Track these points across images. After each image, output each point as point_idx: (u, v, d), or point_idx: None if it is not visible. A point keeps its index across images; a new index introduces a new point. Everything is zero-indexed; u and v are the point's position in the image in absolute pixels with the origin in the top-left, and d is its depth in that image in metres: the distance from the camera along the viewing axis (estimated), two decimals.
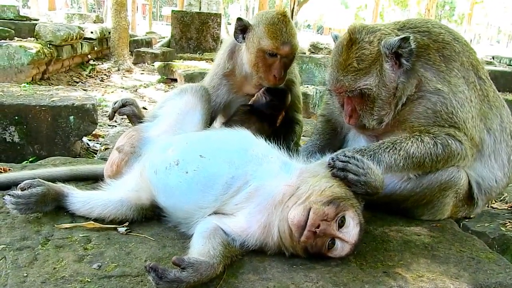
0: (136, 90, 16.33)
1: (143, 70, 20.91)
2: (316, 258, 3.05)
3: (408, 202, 3.90)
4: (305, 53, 21.22)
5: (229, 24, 37.46)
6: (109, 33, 21.43)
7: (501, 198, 5.34)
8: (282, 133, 4.55)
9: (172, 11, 27.84)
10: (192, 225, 3.24)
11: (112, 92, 15.45)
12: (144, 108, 10.85)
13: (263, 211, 3.08)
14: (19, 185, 3.44)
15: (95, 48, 20.63)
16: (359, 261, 3.16)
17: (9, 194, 3.32)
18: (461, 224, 4.44)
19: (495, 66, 24.50)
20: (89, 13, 38.60)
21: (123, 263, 2.94)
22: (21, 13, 20.27)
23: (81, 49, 18.09)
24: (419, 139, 3.67)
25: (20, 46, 13.19)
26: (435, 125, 3.73)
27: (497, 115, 4.03)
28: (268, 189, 3.14)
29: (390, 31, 3.81)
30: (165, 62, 19.32)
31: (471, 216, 4.53)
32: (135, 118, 4.34)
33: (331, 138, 4.55)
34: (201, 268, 2.67)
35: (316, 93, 12.24)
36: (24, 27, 17.62)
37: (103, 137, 8.47)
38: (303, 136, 6.15)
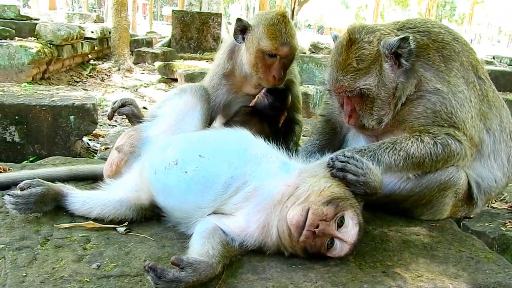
0: (137, 90, 16.32)
1: (143, 70, 20.91)
2: (315, 258, 3.05)
3: (408, 202, 3.91)
4: (305, 53, 21.20)
5: (230, 23, 37.43)
6: (110, 32, 21.44)
7: (501, 198, 5.34)
8: (282, 133, 4.55)
9: (173, 10, 27.84)
10: (191, 225, 3.24)
11: (113, 91, 15.44)
12: (145, 108, 10.84)
13: (262, 211, 3.08)
14: (19, 185, 3.44)
15: (96, 48, 20.62)
16: (358, 261, 3.16)
17: (8, 194, 3.32)
18: (461, 224, 4.44)
19: (496, 66, 24.48)
20: (89, 13, 38.76)
21: (122, 263, 2.94)
22: (22, 13, 20.27)
23: (82, 48, 18.08)
24: (419, 139, 3.67)
25: (21, 45, 13.19)
26: (434, 125, 3.73)
27: (496, 115, 4.03)
28: (267, 189, 3.14)
29: (390, 31, 3.81)
30: (166, 62, 19.32)
31: (471, 216, 4.54)
32: (135, 118, 4.34)
33: (331, 138, 4.55)
34: (200, 268, 2.67)
35: (317, 93, 12.25)
36: (24, 27, 17.63)
37: (103, 137, 8.47)
38: (303, 136, 6.16)
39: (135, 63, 21.76)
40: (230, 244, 3.05)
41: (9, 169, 4.42)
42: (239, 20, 4.57)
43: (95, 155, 7.22)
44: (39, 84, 12.16)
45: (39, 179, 3.51)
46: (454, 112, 3.71)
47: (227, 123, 4.63)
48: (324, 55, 19.90)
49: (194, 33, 25.00)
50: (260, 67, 4.54)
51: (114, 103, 4.40)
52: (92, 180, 4.20)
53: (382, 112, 3.80)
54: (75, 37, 16.23)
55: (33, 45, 13.48)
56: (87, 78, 17.47)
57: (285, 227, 2.94)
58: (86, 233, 3.28)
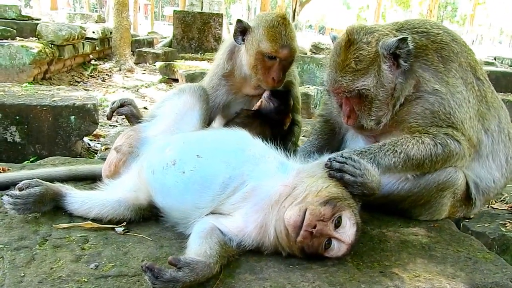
0: (138, 90, 16.33)
1: (144, 70, 20.92)
2: (313, 258, 3.05)
3: (406, 202, 3.91)
4: (306, 54, 21.22)
5: (231, 24, 37.48)
6: (111, 33, 21.47)
7: (501, 199, 5.34)
8: (280, 134, 4.55)
9: (174, 11, 27.89)
10: (189, 225, 3.24)
11: (114, 92, 15.45)
12: (145, 108, 10.85)
13: (260, 211, 3.09)
14: (17, 185, 3.45)
15: (97, 48, 20.64)
16: (355, 261, 3.16)
17: (7, 194, 3.32)
18: (461, 224, 4.44)
19: (497, 67, 24.46)
20: (91, 13, 38.80)
21: (120, 263, 2.95)
22: (23, 13, 20.29)
23: (83, 49, 18.10)
24: (420, 141, 3.67)
25: (22, 45, 13.19)
26: (433, 125, 3.73)
27: (495, 116, 4.03)
28: (265, 189, 3.14)
29: (388, 31, 3.81)
30: (167, 62, 19.35)
31: (471, 217, 4.54)
32: (134, 118, 4.36)
33: (330, 139, 4.55)
34: (198, 268, 2.67)
35: (317, 93, 12.25)
36: (26, 27, 17.66)
37: (104, 137, 8.48)
38: (303, 136, 6.15)
39: (136, 63, 21.78)
40: (227, 244, 3.05)
41: (8, 169, 4.43)
42: (239, 21, 4.58)
43: (95, 155, 7.23)
44: (40, 84, 12.16)
45: (37, 179, 3.51)
46: (453, 113, 3.71)
47: (227, 124, 4.63)
48: (325, 55, 19.87)
49: (195, 33, 25.04)
50: (259, 69, 4.55)
51: (113, 103, 4.41)
52: (91, 180, 4.20)
53: (381, 113, 3.80)
54: (76, 37, 16.25)
55: (34, 45, 13.48)
56: (88, 78, 17.48)
57: (283, 227, 2.94)
58: (85, 233, 3.29)
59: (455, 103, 3.72)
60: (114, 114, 4.42)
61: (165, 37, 31.10)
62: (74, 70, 17.49)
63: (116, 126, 10.13)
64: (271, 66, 4.54)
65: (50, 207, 3.49)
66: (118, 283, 2.74)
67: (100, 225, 3.38)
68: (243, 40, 4.62)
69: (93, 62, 20.16)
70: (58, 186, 3.56)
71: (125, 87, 16.57)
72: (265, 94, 4.71)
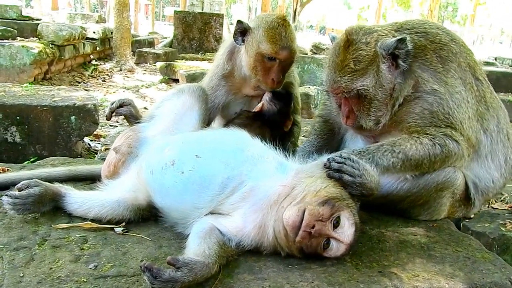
0: (138, 90, 16.32)
1: (145, 70, 20.91)
2: (312, 258, 3.06)
3: (405, 202, 3.92)
4: (307, 54, 21.22)
5: (232, 24, 37.44)
6: (112, 33, 21.46)
7: (501, 199, 5.34)
8: (280, 135, 4.55)
9: (175, 11, 27.90)
10: (188, 225, 3.25)
11: (114, 92, 15.45)
12: (146, 108, 10.83)
13: (258, 211, 3.09)
14: (17, 185, 3.46)
15: (97, 48, 20.62)
16: (354, 261, 3.17)
17: (6, 195, 3.33)
18: (462, 224, 4.44)
19: (497, 67, 24.44)
20: (91, 13, 38.82)
21: (119, 263, 2.95)
22: (24, 13, 20.28)
23: (83, 49, 18.09)
24: (418, 141, 3.68)
25: (23, 46, 13.18)
26: (431, 125, 3.74)
27: (494, 116, 4.04)
28: (263, 189, 3.15)
29: (387, 32, 3.82)
30: (167, 62, 19.34)
31: (471, 216, 4.54)
32: (133, 118, 4.36)
33: (329, 139, 4.56)
34: (196, 268, 2.68)
35: (318, 93, 12.25)
36: (26, 27, 17.64)
37: (104, 137, 8.48)
38: (303, 136, 6.16)
39: (137, 64, 21.77)
40: (226, 244, 3.05)
41: (8, 169, 4.44)
42: (239, 22, 4.58)
43: (96, 155, 7.23)
44: (41, 85, 12.14)
45: (37, 180, 3.52)
46: (451, 113, 3.72)
47: (227, 125, 4.62)
48: (325, 56, 19.88)
49: (196, 33, 25.05)
50: (259, 70, 4.55)
51: (112, 104, 4.41)
52: (90, 180, 4.21)
53: (380, 113, 3.81)
54: (77, 37, 16.26)
55: (35, 46, 13.48)
56: (88, 78, 17.48)
57: (281, 227, 2.95)
58: (84, 234, 3.30)
59: (454, 103, 3.72)
60: (113, 114, 4.43)
61: (166, 37, 31.08)
62: (74, 70, 17.49)
63: (117, 126, 10.13)
64: (270, 67, 4.54)
65: (49, 207, 3.49)
66: (117, 283, 2.74)
67: (99, 225, 3.38)
68: (243, 41, 4.62)
69: (93, 62, 20.17)
70: (57, 186, 3.57)
71: (125, 87, 16.57)
72: (267, 97, 4.71)
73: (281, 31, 4.46)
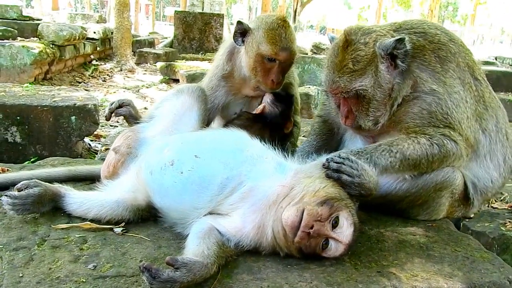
0: (138, 90, 16.32)
1: (145, 71, 20.91)
2: (311, 258, 3.06)
3: (404, 202, 3.92)
4: (307, 54, 21.22)
5: (232, 24, 37.46)
6: (112, 33, 21.46)
7: (501, 198, 5.35)
8: (280, 137, 4.55)
9: (175, 11, 27.90)
10: (187, 226, 3.25)
11: (115, 92, 15.45)
12: (146, 109, 10.84)
13: (257, 211, 3.10)
14: (16, 185, 3.46)
15: (98, 48, 20.62)
16: (353, 261, 3.17)
17: (6, 195, 3.34)
18: (461, 224, 4.45)
19: (497, 66, 24.42)
20: (92, 13, 38.85)
21: (118, 264, 2.96)
22: (24, 13, 20.25)
23: (84, 49, 18.09)
24: (416, 141, 3.68)
25: (23, 46, 13.18)
26: (430, 125, 3.74)
27: (492, 115, 4.05)
28: (262, 189, 3.15)
29: (386, 32, 3.82)
30: (168, 63, 19.33)
31: (471, 216, 4.55)
32: (132, 118, 4.36)
33: (328, 139, 4.56)
34: (195, 268, 2.68)
35: (318, 93, 12.25)
36: (27, 27, 17.63)
37: (104, 138, 8.48)
38: (303, 136, 6.16)
39: (137, 64, 21.77)
40: (225, 244, 3.06)
41: (8, 169, 4.45)
42: (239, 23, 4.58)
43: (96, 155, 7.23)
44: (41, 85, 12.14)
45: (36, 180, 3.52)
46: (450, 113, 3.72)
47: (227, 125, 4.62)
48: (325, 56, 19.86)
49: (196, 33, 25.03)
50: (259, 71, 4.56)
51: (112, 104, 4.41)
52: (90, 180, 4.21)
53: (378, 113, 3.81)
54: (77, 37, 16.27)
55: (35, 46, 13.48)
56: (89, 78, 17.48)
57: (280, 227, 2.95)
58: (83, 234, 3.30)
59: (453, 103, 3.73)
60: (112, 115, 4.43)
61: (166, 38, 31.08)
62: (75, 70, 17.49)
63: (117, 127, 10.14)
64: (270, 68, 4.55)
65: (49, 207, 3.50)
66: (116, 284, 2.75)
67: (98, 226, 3.39)
68: (243, 41, 4.63)
69: (94, 62, 20.17)
70: (57, 186, 3.58)
71: (126, 88, 16.56)
72: (268, 99, 4.71)
73: (281, 32, 4.46)
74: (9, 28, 15.63)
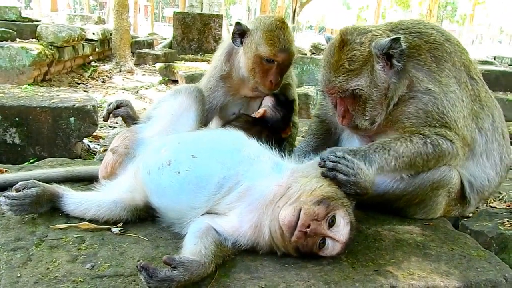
0: (138, 91, 16.32)
1: (144, 72, 20.91)
2: (308, 257, 3.07)
3: (401, 201, 3.93)
4: (306, 54, 21.21)
5: (231, 25, 37.45)
6: (111, 34, 21.44)
7: (500, 198, 5.35)
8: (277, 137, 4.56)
9: (174, 12, 27.87)
10: (185, 225, 3.26)
11: (114, 93, 15.44)
12: (145, 110, 10.83)
13: (255, 210, 3.11)
14: (14, 186, 3.47)
15: (97, 50, 20.61)
16: (350, 260, 3.18)
17: (4, 196, 3.35)
18: (460, 223, 4.45)
19: (496, 66, 24.43)
20: (91, 14, 38.81)
21: (116, 263, 2.97)
22: (23, 14, 20.21)
23: (83, 50, 18.08)
24: (408, 139, 3.69)
25: (22, 47, 13.19)
26: (426, 125, 3.75)
27: (488, 115, 4.06)
28: (259, 189, 3.17)
29: (382, 32, 3.83)
30: (167, 64, 19.29)
31: (469, 215, 4.55)
32: (130, 119, 4.36)
33: (325, 139, 4.57)
34: (192, 267, 2.69)
35: (317, 94, 12.26)
36: (26, 28, 17.63)
37: (103, 139, 8.48)
38: (302, 136, 6.17)
39: (136, 65, 21.76)
40: (223, 243, 3.07)
41: (6, 170, 4.45)
42: (238, 23, 4.60)
43: (95, 156, 7.24)
44: (40, 86, 12.13)
45: (34, 181, 3.53)
46: (446, 112, 3.73)
47: (225, 126, 4.62)
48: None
49: (195, 34, 25.00)
50: (257, 72, 4.58)
51: (109, 105, 4.42)
52: (88, 181, 4.22)
53: (375, 113, 3.82)
54: (76, 38, 16.26)
55: (34, 47, 13.49)
56: (88, 79, 17.47)
57: (277, 227, 2.96)
58: (81, 234, 3.31)
59: (448, 103, 3.74)
60: (110, 115, 4.43)
61: (165, 38, 31.07)
62: (74, 71, 17.48)
63: (116, 128, 10.14)
64: (269, 69, 4.57)
65: (47, 208, 3.51)
66: (114, 283, 2.76)
67: (96, 226, 3.40)
68: (241, 42, 4.64)
69: (93, 63, 20.14)
70: (55, 187, 3.58)
71: (125, 89, 16.56)
72: (270, 103, 4.72)
73: (279, 34, 4.48)
74: (8, 30, 15.59)
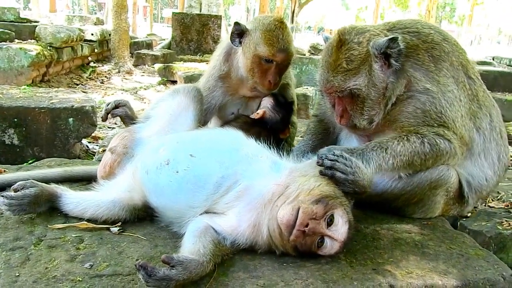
0: (136, 92, 16.31)
1: (143, 72, 20.89)
2: (306, 256, 3.08)
3: (399, 200, 3.93)
4: (305, 55, 21.23)
5: (230, 25, 37.41)
6: (110, 35, 21.37)
7: (498, 197, 5.35)
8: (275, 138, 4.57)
9: (173, 13, 27.84)
10: (183, 225, 3.26)
11: (112, 94, 15.43)
12: (144, 110, 10.82)
13: (253, 210, 3.11)
14: (12, 186, 3.48)
15: (96, 50, 20.58)
16: (349, 258, 3.19)
17: (2, 196, 3.35)
18: (458, 223, 4.46)
19: (495, 66, 24.45)
20: (89, 15, 38.81)
21: (114, 263, 2.97)
22: (22, 15, 20.24)
23: (82, 51, 18.04)
24: (405, 138, 3.69)
25: (20, 48, 13.18)
26: (424, 124, 3.76)
27: (486, 114, 4.07)
28: (258, 188, 3.17)
29: (380, 31, 3.84)
30: (166, 64, 19.28)
31: (468, 215, 4.56)
32: (128, 119, 4.36)
33: (324, 138, 4.58)
34: (191, 266, 2.70)
35: (316, 94, 12.26)
36: (24, 29, 17.63)
37: (102, 139, 8.48)
38: (300, 137, 6.17)
39: (135, 65, 21.74)
40: (221, 242, 3.07)
41: (4, 170, 4.46)
42: (236, 24, 4.60)
43: (94, 157, 7.23)
44: (39, 87, 12.13)
45: (33, 181, 3.53)
46: (444, 112, 3.74)
47: (223, 126, 4.62)
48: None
49: (194, 35, 24.97)
50: (256, 72, 4.58)
51: (108, 105, 4.42)
52: (86, 181, 4.23)
53: (373, 112, 3.83)
54: (75, 39, 16.23)
55: (33, 48, 13.47)
56: (87, 80, 17.45)
57: (276, 226, 2.97)
58: (80, 233, 3.31)
59: (446, 102, 3.75)
60: (109, 115, 4.43)
61: (164, 39, 31.05)
62: (72, 72, 17.46)
63: (114, 128, 10.13)
64: (267, 69, 4.57)
65: (45, 208, 3.51)
66: (112, 282, 2.76)
67: (95, 225, 3.40)
68: (240, 42, 4.64)
69: (91, 64, 20.12)
70: (53, 187, 3.59)
71: (123, 89, 16.54)
72: (269, 105, 4.73)
73: (278, 34, 4.49)
74: (7, 30, 15.59)
